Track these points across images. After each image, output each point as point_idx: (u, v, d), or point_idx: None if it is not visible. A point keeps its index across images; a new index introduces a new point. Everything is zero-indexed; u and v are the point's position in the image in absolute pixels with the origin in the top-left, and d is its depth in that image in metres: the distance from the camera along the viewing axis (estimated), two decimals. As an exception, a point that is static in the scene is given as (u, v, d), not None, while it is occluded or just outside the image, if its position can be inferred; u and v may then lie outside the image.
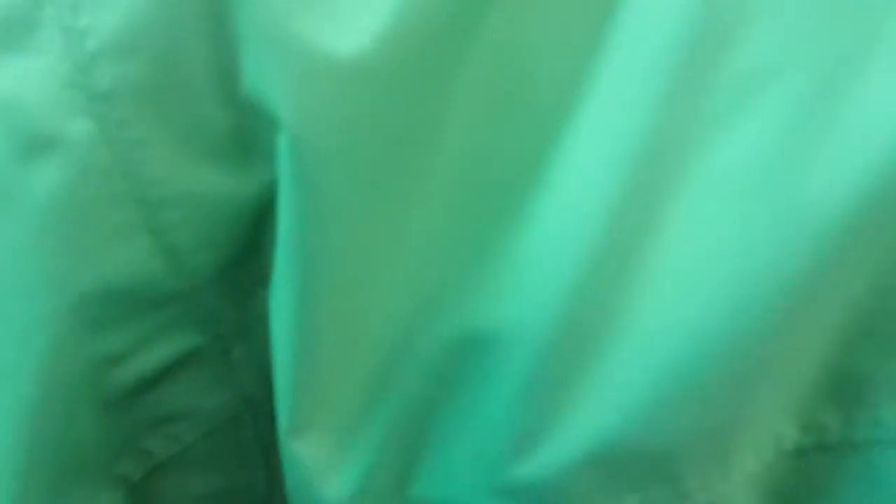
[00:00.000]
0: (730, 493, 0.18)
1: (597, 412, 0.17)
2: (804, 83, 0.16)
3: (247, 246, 0.19)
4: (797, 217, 0.16)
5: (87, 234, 0.18)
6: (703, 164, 0.17)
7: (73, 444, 0.20)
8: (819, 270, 0.16)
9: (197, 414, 0.22)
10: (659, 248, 0.17)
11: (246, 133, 0.18)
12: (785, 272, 0.16)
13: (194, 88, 0.18)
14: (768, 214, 0.16)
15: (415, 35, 0.17)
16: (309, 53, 0.16)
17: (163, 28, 0.17)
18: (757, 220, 0.16)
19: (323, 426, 0.18)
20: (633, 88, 0.17)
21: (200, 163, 0.18)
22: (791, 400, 0.18)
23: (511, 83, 0.18)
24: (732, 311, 0.16)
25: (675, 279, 0.17)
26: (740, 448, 0.18)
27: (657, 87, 0.17)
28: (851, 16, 0.16)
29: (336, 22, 0.16)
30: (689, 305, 0.17)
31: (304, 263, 0.17)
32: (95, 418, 0.20)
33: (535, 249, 0.17)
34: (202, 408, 0.22)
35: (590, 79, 0.17)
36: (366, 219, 0.17)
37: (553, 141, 0.17)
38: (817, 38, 0.16)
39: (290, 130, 0.16)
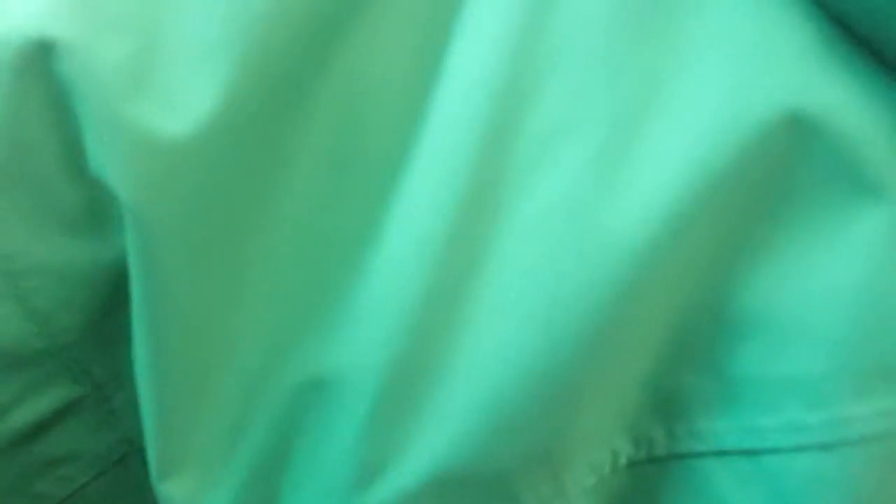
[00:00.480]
0: None
1: (431, 442, 0.18)
2: (597, 132, 0.18)
3: (112, 305, 0.20)
4: (598, 250, 0.18)
5: None
6: (516, 208, 0.18)
7: None
8: (622, 295, 0.18)
9: (85, 456, 0.23)
10: (480, 287, 0.18)
11: (98, 206, 0.19)
12: (592, 299, 0.18)
13: (44, 170, 0.19)
14: (574, 250, 0.18)
15: (246, 109, 0.18)
16: (142, 135, 0.18)
17: (7, 119, 0.18)
18: (565, 255, 0.18)
19: (186, 470, 0.20)
20: (449, 144, 0.18)
21: (55, 236, 0.19)
22: (622, 417, 0.19)
23: (346, 143, 0.19)
24: (548, 337, 0.18)
25: (495, 314, 0.18)
26: (574, 464, 0.19)
27: (468, 143, 0.18)
28: (634, 73, 0.18)
29: (167, 103, 0.18)
30: (509, 336, 0.18)
31: (153, 324, 0.19)
32: None
33: (370, 297, 0.19)
34: (90, 451, 0.23)
35: (416, 136, 0.19)
36: (207, 281, 0.19)
37: (385, 193, 0.19)
38: (604, 93, 0.18)
39: (128, 207, 0.18)
